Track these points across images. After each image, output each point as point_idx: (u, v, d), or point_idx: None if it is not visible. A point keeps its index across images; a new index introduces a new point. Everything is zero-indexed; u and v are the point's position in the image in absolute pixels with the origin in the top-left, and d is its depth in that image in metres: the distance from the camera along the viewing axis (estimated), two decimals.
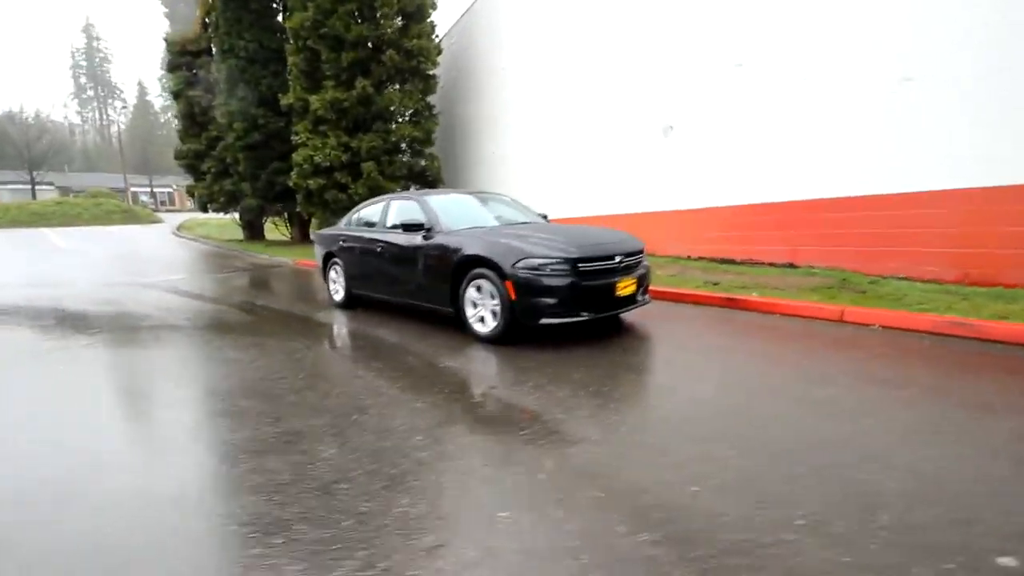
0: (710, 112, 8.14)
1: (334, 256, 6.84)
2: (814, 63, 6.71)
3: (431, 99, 15.21)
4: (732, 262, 8.02)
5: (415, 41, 13.85)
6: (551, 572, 1.63)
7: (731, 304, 5.82)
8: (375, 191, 14.20)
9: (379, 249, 5.85)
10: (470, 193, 6.30)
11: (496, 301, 4.48)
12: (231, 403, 3.21)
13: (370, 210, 6.52)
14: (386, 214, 6.06)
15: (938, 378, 3.36)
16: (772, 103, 7.25)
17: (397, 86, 14.83)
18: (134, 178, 56.92)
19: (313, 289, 8.82)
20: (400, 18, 13.98)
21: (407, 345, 4.63)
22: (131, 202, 45.58)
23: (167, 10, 18.60)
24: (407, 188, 15.25)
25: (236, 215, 20.73)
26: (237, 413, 3.04)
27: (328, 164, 13.84)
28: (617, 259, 4.56)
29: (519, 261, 4.30)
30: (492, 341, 4.55)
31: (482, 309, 4.67)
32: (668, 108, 8.83)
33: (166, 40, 18.92)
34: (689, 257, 8.64)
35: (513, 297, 4.30)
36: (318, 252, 7.33)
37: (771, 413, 2.87)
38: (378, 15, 14.00)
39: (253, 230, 21.47)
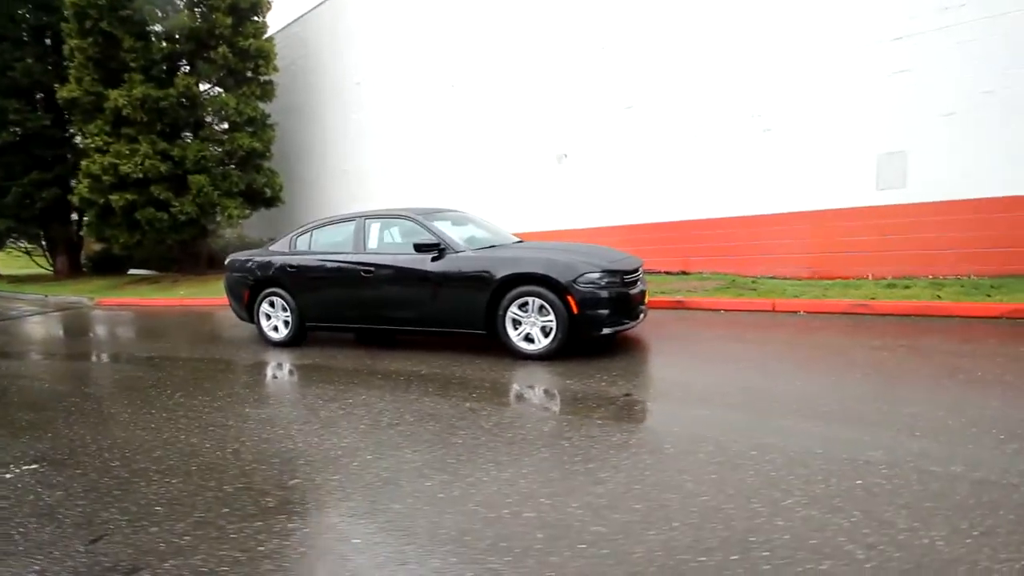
0: (604, 144, 9.33)
1: (274, 285, 5.81)
2: (696, 109, 8.37)
3: (264, 107, 13.58)
4: None
5: (251, 40, 12.27)
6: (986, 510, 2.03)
7: (680, 306, 6.87)
8: (207, 210, 12.05)
9: (365, 273, 5.25)
10: (440, 211, 6.06)
11: (550, 317, 4.54)
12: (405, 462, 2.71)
13: (330, 232, 5.76)
14: (363, 235, 5.46)
15: (912, 338, 4.74)
16: (660, 141, 8.74)
17: (220, 91, 12.86)
18: None
19: (193, 330, 7.20)
20: (230, 14, 12.19)
21: (458, 376, 4.33)
22: None
23: None
24: (246, 207, 13.24)
25: None
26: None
27: (141, 175, 11.19)
28: (639, 271, 5.09)
29: (581, 276, 4.48)
30: (543, 358, 4.58)
31: (527, 327, 4.67)
32: (562, 136, 9.78)
33: None
34: None
35: (576, 311, 4.45)
36: (238, 283, 6.09)
37: (862, 378, 3.73)
38: (202, 4, 11.99)
39: None
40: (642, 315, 5.11)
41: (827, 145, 7.34)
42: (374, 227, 5.51)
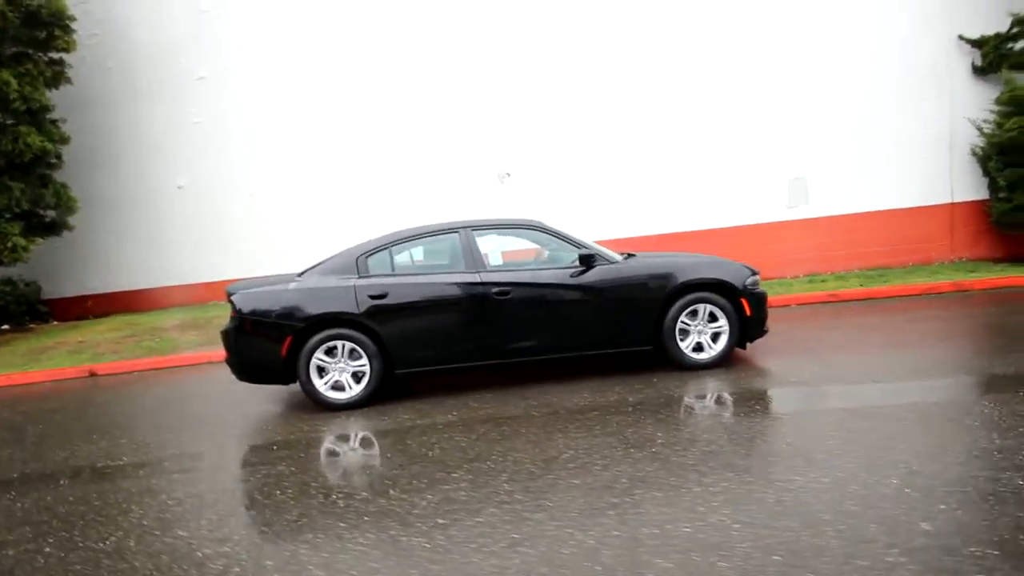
0: (550, 164, 9.51)
1: (339, 326, 4.27)
2: (640, 137, 9.26)
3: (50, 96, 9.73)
4: None
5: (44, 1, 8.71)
6: None
7: None
8: None
9: (498, 295, 4.29)
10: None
11: (720, 323, 4.49)
12: None
13: (419, 248, 4.60)
14: (476, 249, 4.45)
15: (915, 312, 6.06)
16: (605, 164, 9.36)
17: None
18: None
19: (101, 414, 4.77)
20: None
21: (666, 396, 3.97)
22: None
23: None
24: (28, 231, 9.11)
25: None
26: None
27: None
28: None
29: (748, 279, 4.59)
30: (709, 367, 4.51)
31: (694, 336, 4.54)
32: (505, 155, 9.59)
33: None
34: None
35: (748, 314, 4.51)
36: (268, 329, 4.29)
37: (965, 341, 4.73)
38: None
39: None
40: None
41: (749, 171, 9.03)
42: (489, 240, 4.59)
